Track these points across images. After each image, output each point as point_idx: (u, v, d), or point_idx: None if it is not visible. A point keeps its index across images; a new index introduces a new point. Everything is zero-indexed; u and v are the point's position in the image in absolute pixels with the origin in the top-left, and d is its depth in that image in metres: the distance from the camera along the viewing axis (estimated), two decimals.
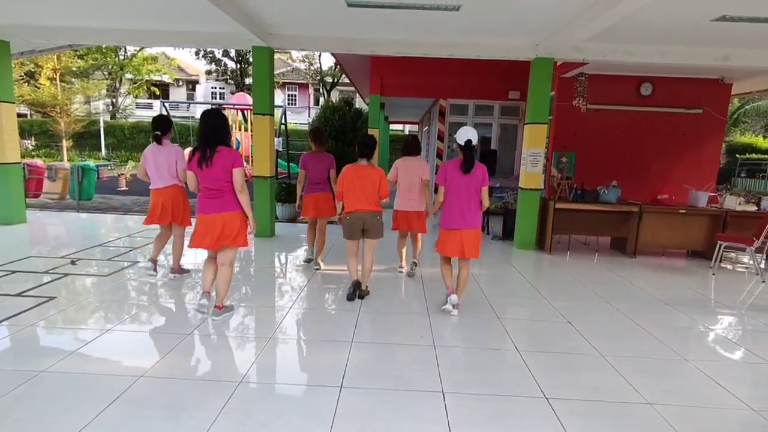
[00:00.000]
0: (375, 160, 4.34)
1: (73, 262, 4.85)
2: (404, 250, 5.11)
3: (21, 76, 19.56)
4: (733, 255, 6.69)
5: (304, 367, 2.92)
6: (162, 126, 4.30)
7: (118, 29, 6.38)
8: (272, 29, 6.15)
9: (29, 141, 24.02)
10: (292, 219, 8.19)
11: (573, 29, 5.18)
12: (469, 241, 3.69)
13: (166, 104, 14.50)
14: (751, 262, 5.87)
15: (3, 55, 6.56)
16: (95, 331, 3.21)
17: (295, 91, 33.15)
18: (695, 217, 6.23)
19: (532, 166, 6.42)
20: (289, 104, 30.19)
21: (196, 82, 34.88)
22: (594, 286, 4.90)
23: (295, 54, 31.57)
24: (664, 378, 2.91)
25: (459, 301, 3.83)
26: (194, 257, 5.33)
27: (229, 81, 30.61)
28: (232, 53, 29.03)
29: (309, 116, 29.54)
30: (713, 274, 5.62)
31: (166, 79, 28.51)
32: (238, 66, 29.76)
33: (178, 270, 4.53)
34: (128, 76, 26.61)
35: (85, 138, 23.47)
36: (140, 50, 25.53)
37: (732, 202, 6.26)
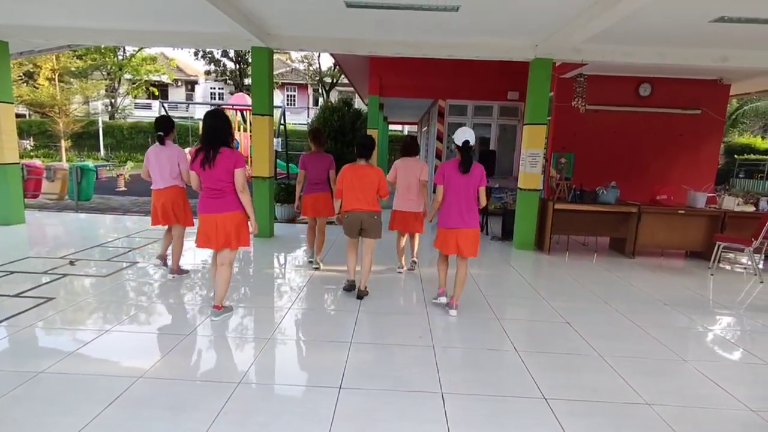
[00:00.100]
0: (374, 161, 4.36)
1: (71, 263, 4.85)
2: (403, 251, 5.12)
3: (20, 76, 19.57)
4: (731, 255, 6.70)
5: (304, 367, 2.92)
6: (165, 126, 4.31)
7: (117, 29, 6.38)
8: (271, 30, 6.15)
9: (28, 141, 23.99)
10: (292, 219, 8.19)
11: (572, 30, 5.19)
12: (468, 240, 3.71)
13: (165, 105, 14.48)
14: (750, 262, 5.89)
15: (2, 56, 6.56)
16: (94, 331, 3.21)
17: (294, 91, 33.16)
18: (694, 218, 6.24)
19: (531, 167, 6.43)
20: (288, 105, 30.20)
21: (195, 82, 34.89)
22: (593, 286, 4.91)
23: (294, 54, 31.63)
24: (662, 378, 2.91)
25: (457, 304, 3.85)
26: (194, 258, 5.34)
27: (228, 81, 30.57)
28: (231, 54, 29.00)
29: (308, 117, 29.53)
30: (712, 275, 5.63)
31: (165, 79, 28.48)
32: (237, 66, 29.72)
33: (177, 271, 4.53)
34: (127, 76, 26.59)
35: (84, 138, 23.47)
36: (139, 50, 25.51)
37: (730, 203, 6.27)
